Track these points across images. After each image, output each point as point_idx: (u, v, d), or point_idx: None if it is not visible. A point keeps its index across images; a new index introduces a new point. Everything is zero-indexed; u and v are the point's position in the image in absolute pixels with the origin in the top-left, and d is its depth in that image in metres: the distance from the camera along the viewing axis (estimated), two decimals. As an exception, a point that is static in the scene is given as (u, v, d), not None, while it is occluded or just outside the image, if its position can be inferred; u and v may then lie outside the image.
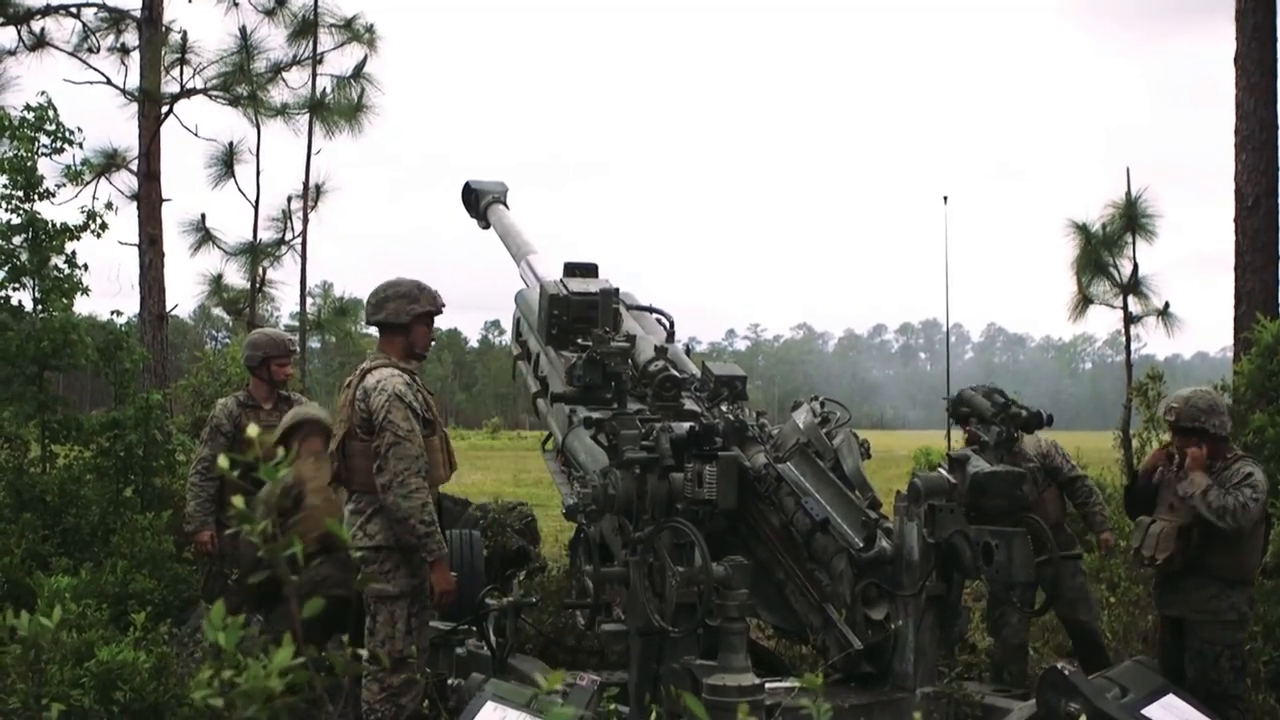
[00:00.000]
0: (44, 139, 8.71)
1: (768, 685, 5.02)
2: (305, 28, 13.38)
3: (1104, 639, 7.38)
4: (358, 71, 13.71)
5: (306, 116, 13.47)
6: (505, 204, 9.03)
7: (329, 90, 13.60)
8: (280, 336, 7.63)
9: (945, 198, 8.09)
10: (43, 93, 8.88)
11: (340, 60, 13.75)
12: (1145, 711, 4.70)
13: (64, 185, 8.99)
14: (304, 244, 13.61)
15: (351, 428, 5.59)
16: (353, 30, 13.69)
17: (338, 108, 13.60)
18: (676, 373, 6.73)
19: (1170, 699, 4.78)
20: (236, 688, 1.99)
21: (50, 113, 8.76)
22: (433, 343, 5.95)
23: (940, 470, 5.51)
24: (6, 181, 8.44)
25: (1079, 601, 7.19)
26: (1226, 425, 6.24)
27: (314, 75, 13.48)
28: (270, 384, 7.48)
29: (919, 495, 5.30)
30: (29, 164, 8.51)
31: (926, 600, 5.28)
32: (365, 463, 5.54)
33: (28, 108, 8.78)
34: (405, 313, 5.74)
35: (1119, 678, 4.99)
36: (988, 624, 7.30)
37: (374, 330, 6.00)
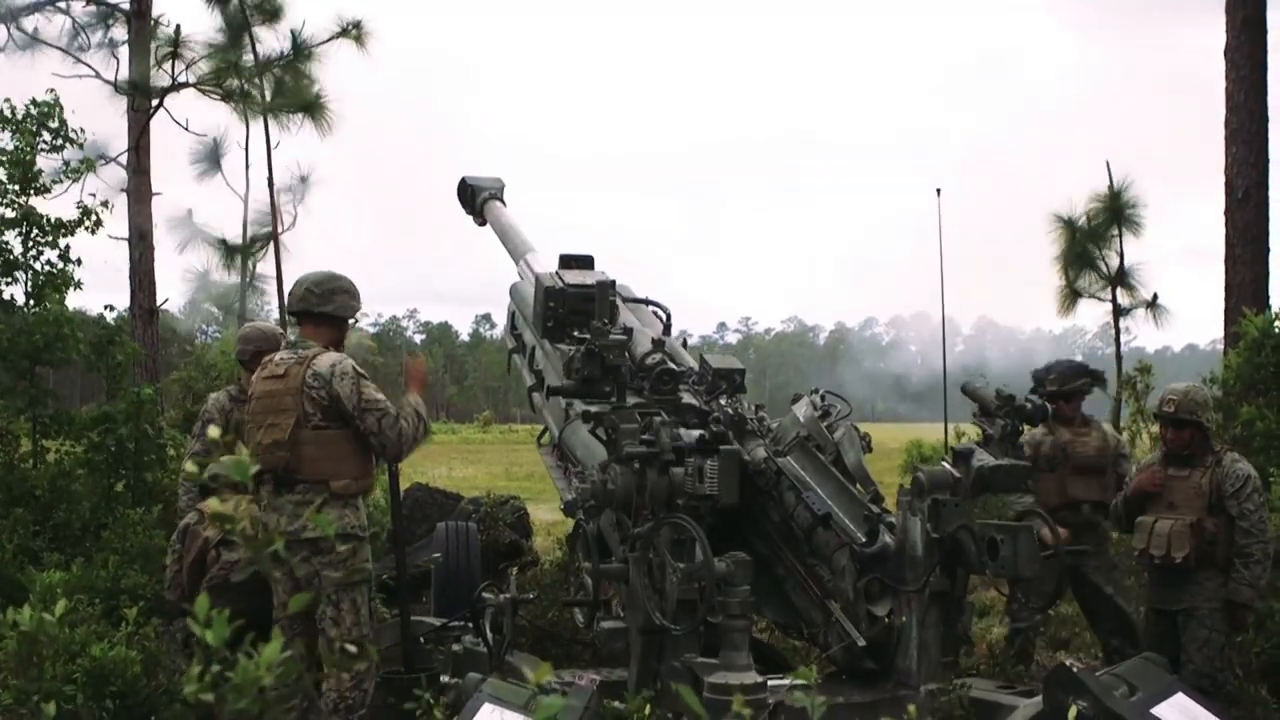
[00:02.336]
0: (46, 135, 8.68)
1: (770, 682, 4.99)
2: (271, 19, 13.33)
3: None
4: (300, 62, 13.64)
5: (295, 112, 13.42)
6: (502, 200, 8.95)
7: (318, 86, 13.54)
8: (272, 331, 7.53)
9: (939, 190, 8.07)
10: (51, 90, 8.86)
11: (329, 56, 13.70)
12: (1154, 710, 4.65)
13: (59, 181, 8.95)
14: (275, 241, 13.53)
15: (303, 415, 5.39)
16: (341, 26, 13.63)
17: (327, 103, 13.55)
18: (674, 366, 6.68)
19: (1180, 698, 4.72)
20: (227, 682, 1.96)
21: (55, 110, 8.73)
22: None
23: (944, 464, 5.47)
24: (4, 175, 8.40)
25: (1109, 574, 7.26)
26: (1214, 419, 6.58)
27: (273, 72, 13.42)
28: None
29: (923, 489, 5.25)
30: (27, 158, 8.46)
31: (930, 596, 5.23)
32: (316, 451, 5.38)
33: (34, 102, 8.74)
34: (350, 310, 5.68)
35: (1127, 675, 4.93)
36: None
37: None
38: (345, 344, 5.81)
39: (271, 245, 13.71)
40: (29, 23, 12.55)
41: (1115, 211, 12.18)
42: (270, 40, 13.47)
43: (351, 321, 5.84)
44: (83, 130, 8.94)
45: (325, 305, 5.63)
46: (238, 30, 13.19)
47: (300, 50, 13.34)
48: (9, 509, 8.11)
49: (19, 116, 8.61)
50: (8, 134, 8.57)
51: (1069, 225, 12.41)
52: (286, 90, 13.38)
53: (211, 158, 13.61)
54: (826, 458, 5.68)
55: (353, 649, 5.19)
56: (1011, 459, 5.33)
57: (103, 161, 12.53)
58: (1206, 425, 6.36)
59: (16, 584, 7.40)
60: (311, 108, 13.43)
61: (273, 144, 13.41)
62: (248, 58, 13.03)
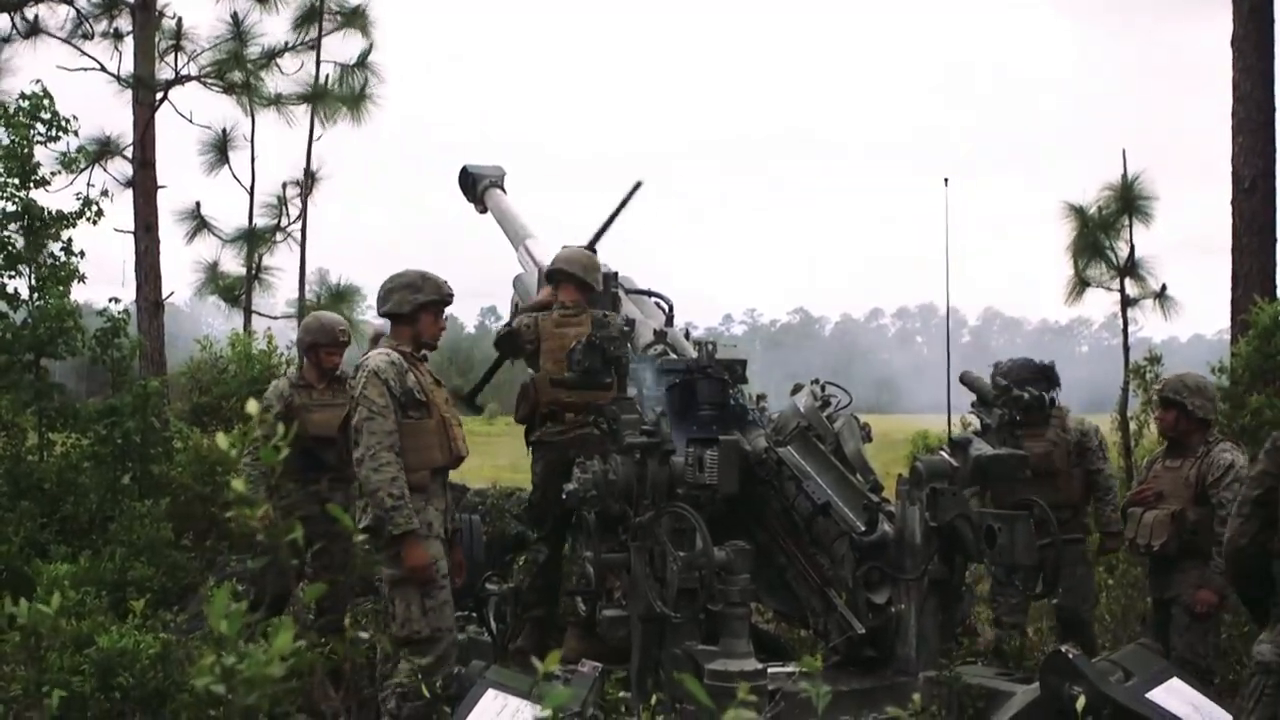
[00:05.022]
0: (40, 127, 8.68)
1: (770, 670, 5.02)
2: (310, 14, 13.32)
3: (1094, 632, 7.33)
4: (362, 60, 13.65)
5: (301, 104, 13.42)
6: (502, 188, 9.00)
7: (331, 77, 13.54)
8: (332, 326, 7.42)
9: (946, 180, 8.03)
10: (38, 80, 8.85)
11: (340, 47, 13.69)
12: (1149, 695, 4.68)
13: (59, 173, 8.95)
14: (304, 230, 13.56)
15: (351, 408, 5.64)
16: (352, 16, 13.62)
17: (339, 96, 13.54)
18: (676, 356, 6.71)
19: (1174, 682, 4.76)
20: (239, 674, 1.97)
21: (46, 101, 8.73)
22: (443, 331, 5.97)
23: (942, 453, 5.49)
24: (2, 169, 8.41)
25: (1076, 590, 7.12)
26: (1209, 410, 6.48)
27: (318, 62, 13.43)
28: (319, 369, 7.38)
29: (921, 478, 5.28)
30: (24, 151, 8.48)
31: (929, 584, 5.27)
32: None
33: (23, 96, 8.75)
34: (409, 303, 5.78)
35: (1122, 661, 4.97)
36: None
37: (378, 317, 6.07)
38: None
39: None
40: (30, 14, 12.56)
41: (1127, 201, 12.13)
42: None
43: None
44: (76, 117, 8.92)
45: (384, 306, 5.86)
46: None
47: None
48: (16, 502, 8.13)
49: (10, 110, 8.63)
50: (2, 127, 8.58)
51: (1080, 214, 12.36)
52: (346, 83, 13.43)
53: (219, 149, 13.61)
54: (826, 447, 5.70)
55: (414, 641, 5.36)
56: (1009, 448, 5.36)
57: (110, 156, 12.58)
58: (1192, 409, 6.40)
59: (24, 576, 7.43)
60: (355, 100, 13.47)
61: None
62: (251, 50, 13.01)
